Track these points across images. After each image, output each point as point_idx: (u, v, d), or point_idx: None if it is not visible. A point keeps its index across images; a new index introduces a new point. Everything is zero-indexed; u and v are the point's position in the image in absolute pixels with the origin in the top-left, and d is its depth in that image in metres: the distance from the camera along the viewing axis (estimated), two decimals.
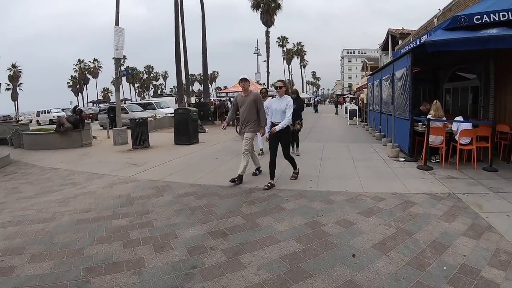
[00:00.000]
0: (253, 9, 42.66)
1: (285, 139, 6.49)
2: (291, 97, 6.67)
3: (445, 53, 10.61)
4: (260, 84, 34.27)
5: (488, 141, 7.55)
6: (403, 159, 8.34)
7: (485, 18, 6.97)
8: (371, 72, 20.65)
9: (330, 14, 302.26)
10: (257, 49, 38.29)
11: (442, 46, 7.19)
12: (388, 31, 25.60)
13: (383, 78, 12.55)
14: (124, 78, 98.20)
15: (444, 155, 7.63)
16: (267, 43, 43.74)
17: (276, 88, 6.61)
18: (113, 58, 15.43)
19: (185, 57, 26.91)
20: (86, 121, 15.91)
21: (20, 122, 17.48)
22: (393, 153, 8.75)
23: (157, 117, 22.87)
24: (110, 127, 17.89)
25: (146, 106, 27.48)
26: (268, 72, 44.35)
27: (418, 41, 8.21)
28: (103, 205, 5.69)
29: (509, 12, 6.72)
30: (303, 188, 6.13)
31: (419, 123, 8.44)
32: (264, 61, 44.10)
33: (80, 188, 7.06)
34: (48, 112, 38.14)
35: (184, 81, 27.67)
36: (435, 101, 8.18)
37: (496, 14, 6.85)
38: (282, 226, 4.40)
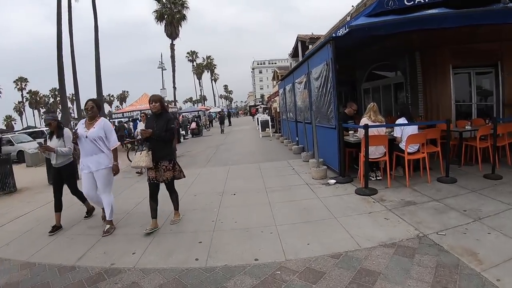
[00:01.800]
0: (157, 21, 39.30)
1: None
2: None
3: (362, 50, 9.14)
4: (167, 102, 31.29)
5: (437, 145, 5.99)
6: (334, 181, 6.14)
7: None
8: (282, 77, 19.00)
9: (241, 28, 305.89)
10: (161, 63, 35.11)
11: (374, 29, 5.43)
12: (297, 37, 25.06)
13: (296, 81, 10.59)
14: (27, 103, 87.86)
15: (388, 169, 5.62)
16: (173, 56, 40.45)
17: None
18: None
19: (74, 73, 23.18)
20: None
21: None
22: (319, 173, 6.55)
23: None
24: None
25: (39, 135, 22.93)
26: (174, 88, 40.96)
27: (335, 34, 6.29)
28: None
29: None
30: (184, 264, 3.47)
31: (350, 131, 6.41)
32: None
33: None
34: None
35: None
36: (372, 103, 6.14)
37: None
38: None
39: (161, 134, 4.53)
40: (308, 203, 5.18)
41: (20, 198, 8.12)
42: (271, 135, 17.73)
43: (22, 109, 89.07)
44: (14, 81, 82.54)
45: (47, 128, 5.52)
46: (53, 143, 5.01)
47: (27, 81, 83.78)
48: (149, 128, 4.56)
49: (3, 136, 23.14)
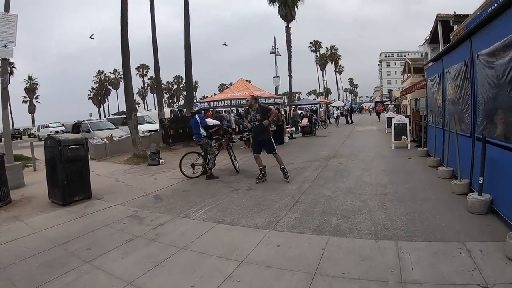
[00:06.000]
0: (270, 3, 35.56)
1: None
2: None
3: None
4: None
5: None
6: None
7: None
8: (434, 57, 12.91)
9: (365, 20, 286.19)
10: (275, 48, 31.17)
11: None
12: (436, 17, 19.13)
13: (481, 53, 4.95)
14: (148, 89, 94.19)
15: None
16: (288, 41, 36.16)
17: None
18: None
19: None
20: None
21: None
22: None
23: (114, 138, 15.92)
24: None
25: (123, 122, 21.14)
26: (290, 76, 36.66)
27: None
28: None
29: None
30: None
31: None
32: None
33: None
34: (47, 127, 35.27)
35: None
36: None
37: None
38: None
39: None
40: None
41: None
42: (408, 147, 11.93)
43: (145, 94, 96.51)
44: (136, 68, 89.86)
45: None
46: None
47: (149, 68, 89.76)
48: None
49: (82, 122, 21.80)
